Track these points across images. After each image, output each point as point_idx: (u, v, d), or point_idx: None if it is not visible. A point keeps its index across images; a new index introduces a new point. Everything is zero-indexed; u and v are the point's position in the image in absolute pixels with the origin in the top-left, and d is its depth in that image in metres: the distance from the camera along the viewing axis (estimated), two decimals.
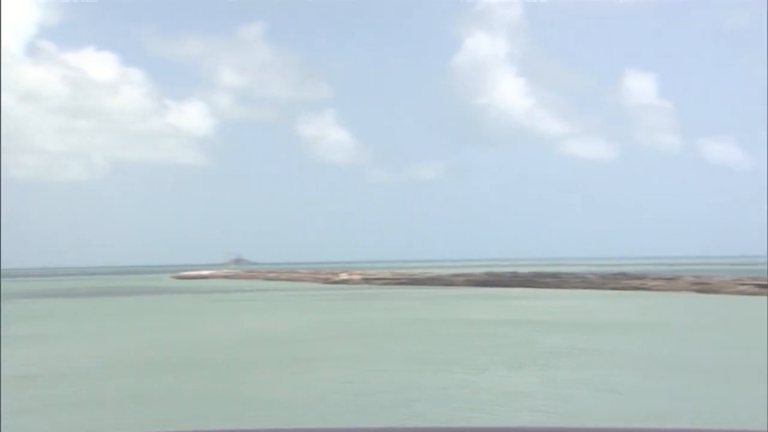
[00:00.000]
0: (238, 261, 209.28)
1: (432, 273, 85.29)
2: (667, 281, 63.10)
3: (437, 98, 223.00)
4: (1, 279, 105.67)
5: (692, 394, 17.70)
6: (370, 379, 19.85)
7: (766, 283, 56.14)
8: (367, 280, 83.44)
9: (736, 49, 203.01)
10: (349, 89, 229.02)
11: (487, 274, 77.81)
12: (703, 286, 59.26)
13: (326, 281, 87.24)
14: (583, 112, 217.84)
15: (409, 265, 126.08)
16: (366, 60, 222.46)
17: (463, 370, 21.42)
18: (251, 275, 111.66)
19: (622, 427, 2.44)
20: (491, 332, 31.39)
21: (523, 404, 16.69)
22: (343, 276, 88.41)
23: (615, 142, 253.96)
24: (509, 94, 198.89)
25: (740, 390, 18.18)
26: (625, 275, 69.51)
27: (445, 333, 31.47)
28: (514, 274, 75.28)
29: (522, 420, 15.08)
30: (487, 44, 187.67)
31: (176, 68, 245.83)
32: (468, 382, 19.54)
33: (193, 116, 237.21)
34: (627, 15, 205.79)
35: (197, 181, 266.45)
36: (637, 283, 64.11)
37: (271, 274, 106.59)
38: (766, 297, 50.75)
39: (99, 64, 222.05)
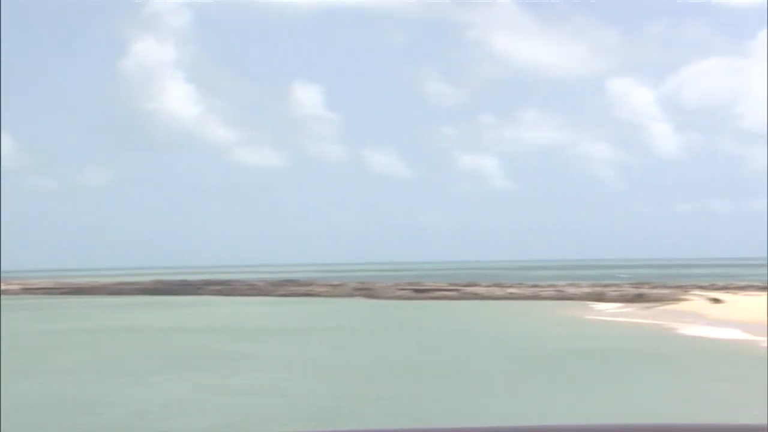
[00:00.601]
0: None
1: (98, 282, 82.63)
2: (334, 287, 65.73)
3: (104, 102, 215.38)
4: None
5: (363, 394, 18.55)
6: (40, 389, 19.03)
7: (422, 288, 60.72)
8: (27, 290, 79.13)
9: (396, 65, 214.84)
10: (4, 90, 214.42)
11: (156, 282, 76.77)
12: (367, 291, 62.45)
13: None
14: (252, 121, 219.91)
15: (73, 274, 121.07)
16: (24, 60, 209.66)
17: (130, 378, 21.04)
18: None
19: (622, 427, 2.59)
20: (160, 339, 31.06)
21: (187, 409, 16.69)
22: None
23: (284, 150, 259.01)
24: (178, 100, 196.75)
25: (403, 387, 19.36)
26: (293, 282, 71.63)
27: (112, 341, 30.77)
28: (184, 282, 74.83)
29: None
30: (156, 49, 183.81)
31: None
32: (135, 389, 19.19)
33: None
34: (296, 27, 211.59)
35: None
36: (305, 289, 66.25)
37: None
38: (421, 301, 54.68)
39: None
